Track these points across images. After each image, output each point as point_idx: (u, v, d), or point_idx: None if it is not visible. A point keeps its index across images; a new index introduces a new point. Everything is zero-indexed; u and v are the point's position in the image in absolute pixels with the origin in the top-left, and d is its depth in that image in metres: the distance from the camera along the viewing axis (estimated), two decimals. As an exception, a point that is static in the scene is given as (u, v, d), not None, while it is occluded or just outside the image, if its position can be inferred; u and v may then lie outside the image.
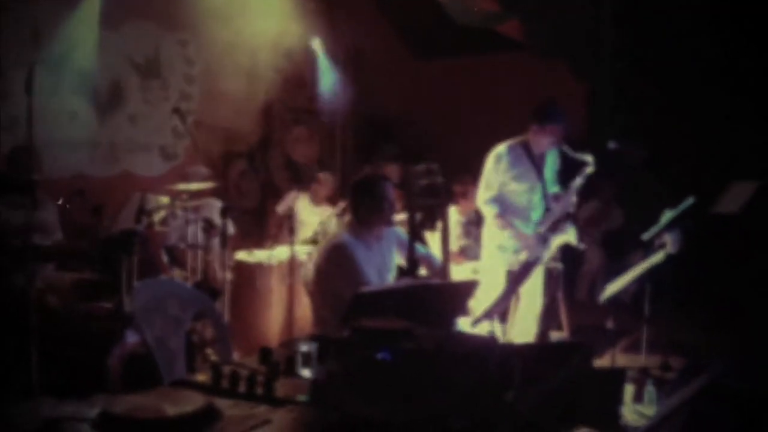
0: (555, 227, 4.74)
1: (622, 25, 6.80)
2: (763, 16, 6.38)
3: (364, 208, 3.63)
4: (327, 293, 3.59)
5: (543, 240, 4.72)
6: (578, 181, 4.73)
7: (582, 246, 4.97)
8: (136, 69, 6.49)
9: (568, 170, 4.88)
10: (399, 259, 3.93)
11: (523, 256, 4.68)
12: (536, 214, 4.82)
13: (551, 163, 4.88)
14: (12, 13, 5.39)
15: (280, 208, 6.26)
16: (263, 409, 1.73)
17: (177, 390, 1.85)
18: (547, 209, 4.79)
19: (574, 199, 4.77)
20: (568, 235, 4.73)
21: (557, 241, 4.74)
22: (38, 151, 4.74)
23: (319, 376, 1.89)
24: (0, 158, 5.13)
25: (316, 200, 6.32)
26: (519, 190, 4.76)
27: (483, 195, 4.83)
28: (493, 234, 4.87)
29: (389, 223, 3.71)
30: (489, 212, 4.82)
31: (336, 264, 3.55)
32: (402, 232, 3.97)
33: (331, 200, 6.60)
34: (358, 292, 3.01)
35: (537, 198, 4.81)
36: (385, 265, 3.74)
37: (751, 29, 6.57)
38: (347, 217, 3.80)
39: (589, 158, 4.68)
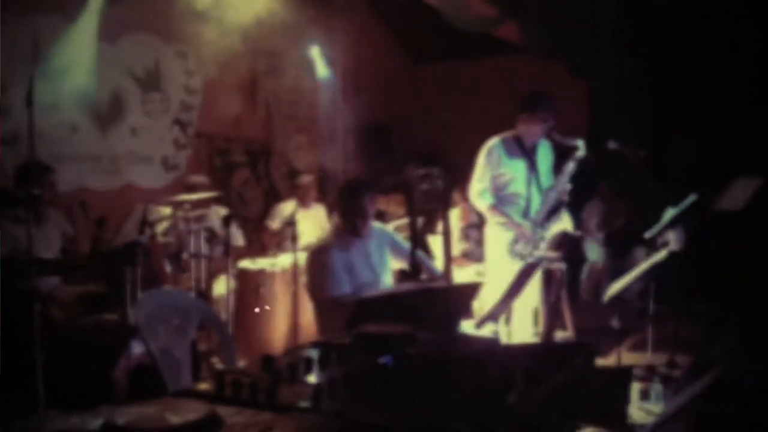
0: (550, 216, 4.75)
1: (621, 23, 6.80)
2: (763, 9, 6.38)
3: (344, 212, 3.86)
4: (320, 297, 3.72)
5: (540, 228, 4.72)
6: (570, 166, 4.74)
7: (579, 233, 4.98)
8: (136, 81, 6.52)
9: (562, 165, 4.90)
10: (395, 263, 3.98)
11: (523, 250, 4.68)
12: (532, 207, 4.80)
13: (544, 157, 4.89)
14: (11, 27, 5.41)
15: (275, 223, 6.27)
16: (266, 416, 1.73)
17: (179, 399, 1.85)
18: (543, 201, 4.80)
19: (567, 186, 4.76)
20: (564, 223, 4.72)
21: (553, 229, 4.74)
22: (50, 165, 4.80)
23: (322, 381, 1.89)
24: (1, 173, 5.15)
25: (305, 204, 6.34)
26: (513, 183, 4.76)
27: (475, 187, 4.83)
28: (495, 234, 4.87)
29: (362, 227, 3.82)
30: (482, 204, 4.82)
31: (320, 266, 3.73)
32: (393, 234, 4.06)
33: (320, 199, 6.68)
34: (360, 297, 3.03)
35: (532, 190, 4.81)
36: (377, 261, 3.85)
37: (752, 23, 6.57)
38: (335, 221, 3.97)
39: (579, 142, 4.72)
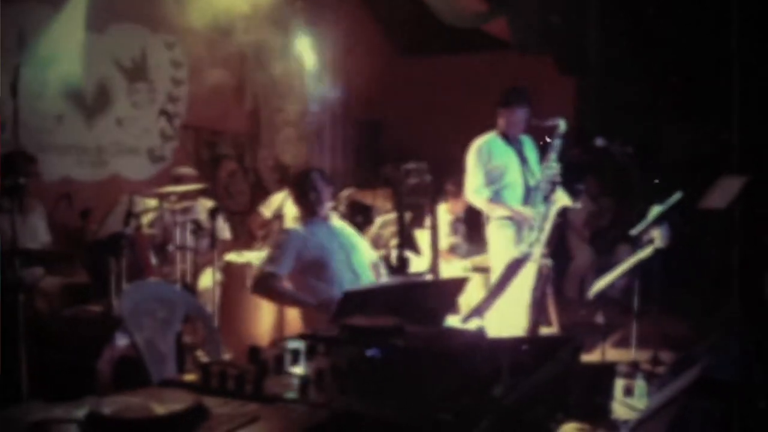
0: (547, 198, 4.82)
1: (609, 20, 6.83)
2: (750, 8, 6.42)
3: (298, 196, 4.02)
4: (262, 267, 3.82)
5: (541, 212, 4.77)
6: (556, 142, 4.85)
7: (578, 204, 5.08)
8: (122, 71, 6.45)
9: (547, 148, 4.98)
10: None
11: (529, 238, 4.72)
12: (530, 193, 4.87)
13: (530, 150, 5.00)
14: (-4, 16, 5.36)
15: (268, 211, 6.24)
16: (252, 407, 1.72)
17: (165, 389, 1.84)
18: (537, 185, 4.86)
19: (557, 164, 4.83)
20: (561, 200, 4.78)
21: (553, 209, 4.79)
22: (34, 155, 4.75)
23: (309, 373, 1.89)
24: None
25: None
26: (507, 173, 4.86)
27: (470, 185, 4.91)
28: (498, 232, 4.89)
29: (319, 209, 3.95)
30: (479, 200, 4.89)
31: (275, 243, 3.90)
32: (363, 240, 4.22)
33: None
34: (348, 290, 3.03)
35: (526, 177, 4.88)
36: (346, 242, 3.96)
37: (739, 23, 6.61)
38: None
39: (560, 121, 4.84)
